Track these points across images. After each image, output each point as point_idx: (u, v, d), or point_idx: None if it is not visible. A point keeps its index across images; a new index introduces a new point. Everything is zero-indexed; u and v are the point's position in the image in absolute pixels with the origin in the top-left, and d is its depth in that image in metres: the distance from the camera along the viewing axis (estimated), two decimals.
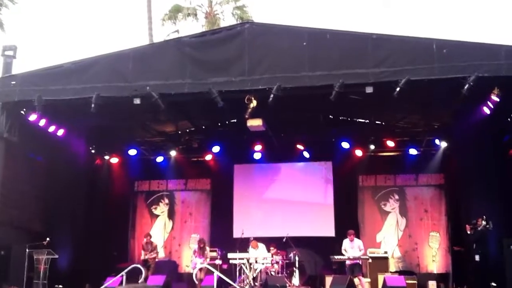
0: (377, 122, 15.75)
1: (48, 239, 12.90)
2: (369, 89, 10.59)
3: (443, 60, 10.39)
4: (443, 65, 10.38)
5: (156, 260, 15.24)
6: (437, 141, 15.78)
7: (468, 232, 12.67)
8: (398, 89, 10.40)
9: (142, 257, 14.78)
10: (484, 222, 12.15)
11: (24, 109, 12.41)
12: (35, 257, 12.72)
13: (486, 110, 11.34)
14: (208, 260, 14.08)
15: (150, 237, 15.26)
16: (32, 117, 12.43)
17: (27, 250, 12.63)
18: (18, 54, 12.85)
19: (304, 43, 10.94)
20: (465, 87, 10.12)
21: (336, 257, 13.99)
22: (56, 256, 13.00)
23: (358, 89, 10.83)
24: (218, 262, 14.72)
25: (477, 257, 12.35)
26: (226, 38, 11.55)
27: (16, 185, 12.74)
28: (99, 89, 11.39)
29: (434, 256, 16.23)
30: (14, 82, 12.05)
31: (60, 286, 13.32)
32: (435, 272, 16.00)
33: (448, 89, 10.87)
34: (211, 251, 15.10)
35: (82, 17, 45.33)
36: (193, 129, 16.73)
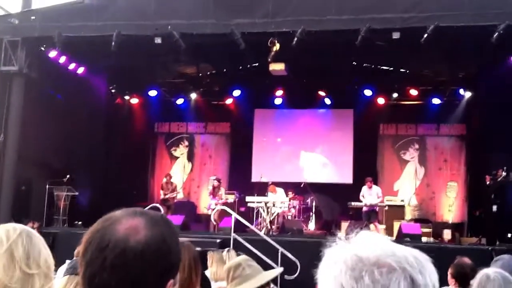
0: (401, 70, 15.45)
1: (68, 176, 13.07)
2: (395, 35, 10.37)
3: (473, 7, 10.11)
4: (473, 12, 10.11)
5: (175, 200, 15.43)
6: (461, 91, 15.51)
7: (487, 183, 12.60)
8: (425, 35, 10.14)
9: (162, 197, 14.95)
10: (504, 173, 12.07)
11: (44, 45, 12.32)
12: (55, 193, 12.94)
13: None
14: (222, 200, 14.19)
15: (170, 177, 15.39)
16: (52, 54, 12.37)
17: (47, 186, 12.84)
18: None
19: None
20: (495, 35, 9.83)
21: (353, 203, 14.05)
22: (76, 193, 13.21)
23: (385, 35, 10.59)
24: (230, 200, 14.69)
25: (494, 208, 12.31)
26: None
27: (36, 122, 12.80)
28: (120, 27, 11.26)
29: (450, 206, 16.21)
30: (34, 17, 11.94)
31: (80, 222, 13.57)
32: (450, 221, 16.03)
33: (476, 37, 10.59)
34: (229, 193, 15.23)
35: None
36: (214, 72, 16.58)
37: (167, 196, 14.79)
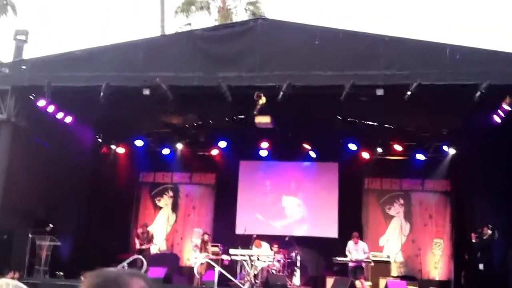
0: (385, 125, 15.65)
1: (51, 225, 12.90)
2: (379, 92, 10.52)
3: (455, 65, 10.31)
4: (455, 71, 10.30)
5: (158, 251, 15.19)
6: (445, 148, 15.68)
7: (473, 241, 12.58)
8: (409, 93, 10.32)
9: (137, 247, 14.73)
10: (489, 231, 12.07)
11: (33, 95, 12.40)
12: (37, 243, 12.74)
13: (497, 119, 11.22)
14: (209, 255, 14.03)
15: (146, 226, 15.23)
16: (41, 103, 12.42)
17: (30, 235, 12.64)
18: (29, 39, 12.82)
19: (316, 42, 10.89)
20: (477, 94, 10.02)
21: (338, 258, 13.89)
22: (59, 243, 13.01)
23: (369, 91, 10.75)
24: (226, 257, 14.54)
25: (481, 266, 12.26)
26: (238, 33, 11.53)
27: (21, 170, 12.71)
28: (109, 78, 11.39)
29: (436, 263, 16.12)
30: (24, 67, 12.07)
31: (61, 273, 13.31)
32: (437, 279, 15.90)
33: (459, 95, 10.77)
34: (212, 246, 15.06)
35: (95, 6, 45.45)
36: (200, 123, 16.69)
37: (143, 247, 14.57)
